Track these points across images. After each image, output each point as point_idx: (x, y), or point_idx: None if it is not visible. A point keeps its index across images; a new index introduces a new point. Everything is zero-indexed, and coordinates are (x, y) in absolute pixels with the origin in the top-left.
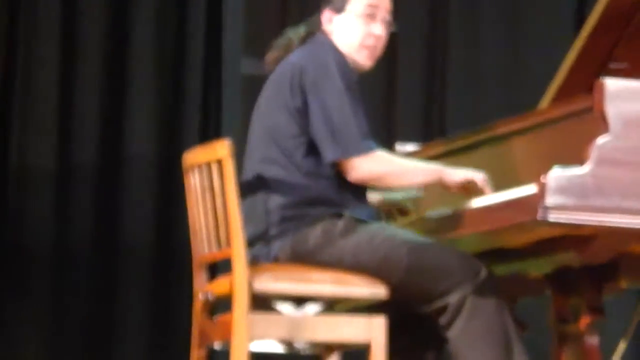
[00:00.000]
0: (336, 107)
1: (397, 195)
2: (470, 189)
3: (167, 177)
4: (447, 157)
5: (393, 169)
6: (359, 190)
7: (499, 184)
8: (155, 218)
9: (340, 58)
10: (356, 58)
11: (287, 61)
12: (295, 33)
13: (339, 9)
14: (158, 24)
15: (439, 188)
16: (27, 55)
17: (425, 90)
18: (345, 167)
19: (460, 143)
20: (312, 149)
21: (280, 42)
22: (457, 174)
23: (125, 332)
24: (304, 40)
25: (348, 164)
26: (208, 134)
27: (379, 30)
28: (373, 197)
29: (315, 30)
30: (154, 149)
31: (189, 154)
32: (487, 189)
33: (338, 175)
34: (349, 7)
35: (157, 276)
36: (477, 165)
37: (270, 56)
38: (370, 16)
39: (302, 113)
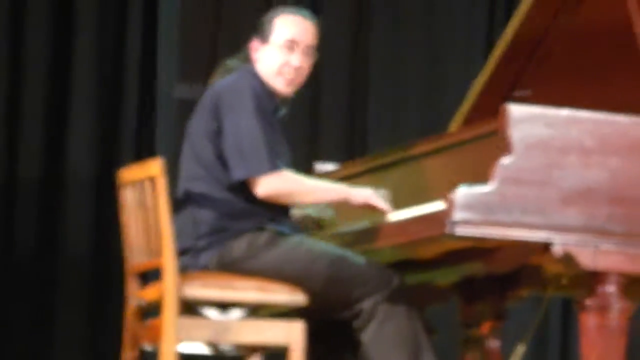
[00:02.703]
0: (246, 128)
1: (312, 212)
2: (373, 208)
3: (104, 192)
4: (364, 175)
5: (298, 187)
6: (281, 205)
7: (413, 201)
8: (92, 230)
9: (255, 83)
10: (274, 84)
11: (211, 88)
12: (232, 61)
13: (264, 40)
14: (97, 50)
15: (349, 207)
16: None
17: (347, 112)
18: (253, 185)
19: (377, 162)
20: None
21: (219, 70)
22: (360, 195)
23: (63, 334)
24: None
25: (255, 182)
26: (142, 154)
27: (297, 62)
28: (294, 212)
29: (247, 58)
30: (92, 167)
31: (124, 171)
32: (387, 208)
33: None
34: (272, 39)
35: (93, 283)
36: (392, 183)
37: (210, 83)
38: (290, 48)
39: (218, 135)
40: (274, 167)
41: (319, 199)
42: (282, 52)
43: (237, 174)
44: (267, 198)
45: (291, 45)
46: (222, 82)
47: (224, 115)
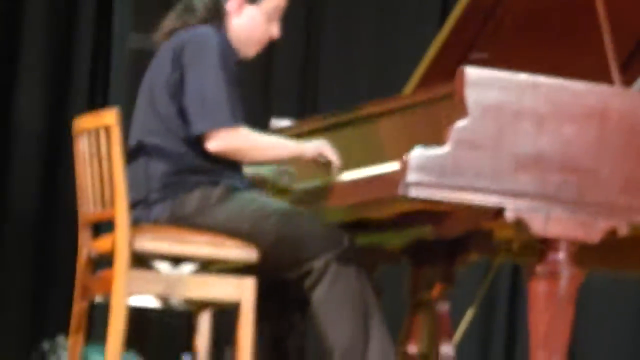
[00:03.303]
0: (210, 82)
1: (265, 170)
2: (323, 162)
3: (56, 141)
4: (319, 133)
5: (252, 144)
6: (233, 160)
7: (367, 161)
8: (44, 180)
9: (222, 39)
10: (247, 48)
11: (173, 38)
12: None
13: (252, 0)
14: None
15: (305, 167)
16: None
17: (300, 71)
18: (208, 139)
19: (332, 121)
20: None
21: (172, 14)
22: (312, 148)
23: (13, 285)
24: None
25: (211, 136)
26: (96, 103)
27: (277, 33)
28: (247, 170)
29: (218, 5)
30: (44, 116)
31: (78, 120)
32: (336, 160)
33: None
34: (262, 3)
35: (44, 233)
36: (346, 143)
37: (163, 29)
38: (274, 17)
39: (179, 87)
40: (234, 122)
41: (271, 157)
42: (267, 21)
43: (198, 126)
44: (220, 153)
45: (278, 13)
46: (186, 33)
47: (187, 67)
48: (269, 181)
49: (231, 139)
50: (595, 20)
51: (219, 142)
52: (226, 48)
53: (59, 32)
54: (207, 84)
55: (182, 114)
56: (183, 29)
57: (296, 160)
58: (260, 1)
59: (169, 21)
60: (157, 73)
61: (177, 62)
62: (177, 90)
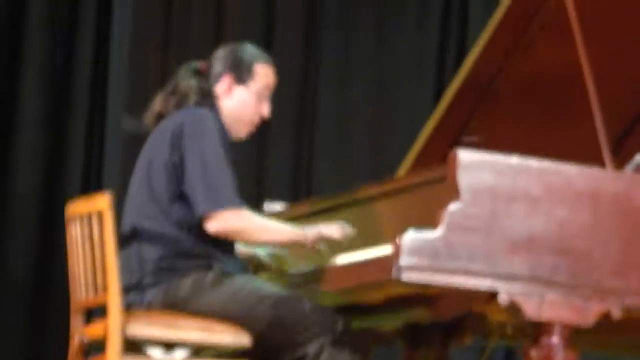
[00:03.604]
0: (212, 163)
1: (260, 251)
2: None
3: (49, 225)
4: (312, 217)
5: (252, 226)
6: (227, 243)
7: (361, 244)
8: (36, 264)
9: (218, 121)
10: (239, 128)
11: (170, 119)
12: (187, 81)
13: (241, 81)
14: (46, 79)
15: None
16: None
17: (294, 154)
18: (212, 219)
19: (325, 204)
20: (186, 204)
21: (161, 97)
22: (310, 234)
23: None
24: (197, 95)
25: (215, 216)
26: (90, 187)
27: (267, 112)
28: (241, 249)
29: (208, 88)
30: (38, 199)
31: (71, 204)
32: (339, 232)
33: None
34: (251, 84)
35: (35, 318)
36: None
37: (153, 112)
38: (264, 97)
39: (178, 168)
40: (238, 203)
41: (270, 241)
42: (257, 101)
43: (202, 207)
44: (221, 234)
45: (267, 93)
46: (183, 115)
47: (187, 149)
48: (262, 262)
49: (234, 221)
50: (587, 102)
51: (221, 223)
52: (221, 126)
53: (54, 115)
54: (210, 165)
55: (180, 197)
56: (176, 111)
57: (295, 246)
58: (249, 82)
59: (158, 104)
60: (154, 155)
61: (176, 144)
62: (177, 172)
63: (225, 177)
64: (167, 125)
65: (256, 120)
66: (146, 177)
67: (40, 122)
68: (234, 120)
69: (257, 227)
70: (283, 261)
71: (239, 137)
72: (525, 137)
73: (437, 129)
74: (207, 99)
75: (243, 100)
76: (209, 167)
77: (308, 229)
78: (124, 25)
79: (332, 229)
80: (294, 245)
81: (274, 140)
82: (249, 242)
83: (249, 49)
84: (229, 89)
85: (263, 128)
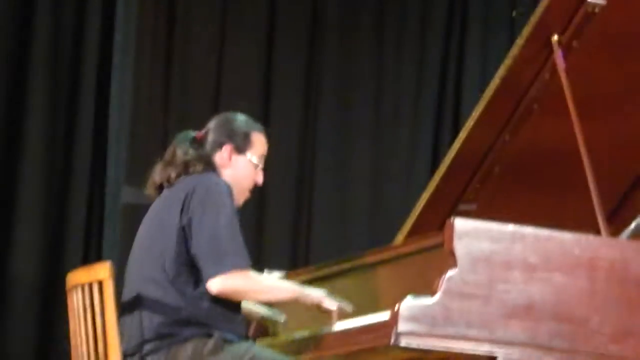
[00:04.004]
0: (226, 227)
1: (262, 312)
2: (323, 311)
3: (50, 295)
4: (311, 284)
5: (255, 286)
6: (230, 311)
7: (359, 311)
8: (38, 333)
9: (229, 187)
10: (238, 197)
11: (178, 186)
12: (185, 150)
13: (240, 150)
14: (47, 154)
15: (303, 311)
16: None
17: (292, 224)
18: (216, 280)
19: (323, 272)
20: (192, 272)
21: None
22: (312, 295)
23: None
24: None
25: (221, 277)
26: (90, 258)
27: (261, 180)
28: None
29: (207, 157)
30: (39, 270)
31: (72, 274)
32: (338, 309)
33: (212, 298)
34: (249, 153)
35: None
36: (336, 293)
37: (153, 181)
38: (259, 165)
39: (187, 231)
40: (244, 265)
41: (272, 298)
42: (254, 170)
43: (212, 271)
44: (223, 294)
45: (261, 161)
46: (194, 180)
47: (198, 213)
48: (269, 320)
49: (238, 281)
50: (582, 172)
51: (226, 283)
52: (231, 192)
53: (55, 190)
54: (221, 227)
55: (185, 263)
56: (185, 177)
57: (295, 303)
58: (247, 151)
59: (158, 174)
60: (163, 221)
61: (187, 208)
62: (185, 235)
63: (234, 240)
64: (178, 190)
65: (251, 187)
66: (152, 243)
67: (41, 193)
68: (233, 188)
69: (260, 288)
70: (282, 323)
71: (237, 204)
72: (521, 206)
73: (433, 197)
74: (209, 167)
75: (243, 168)
76: (220, 230)
77: (311, 290)
78: (124, 94)
79: (332, 302)
80: (295, 304)
81: (273, 208)
82: (253, 301)
83: (244, 118)
84: (229, 158)
85: (261, 197)
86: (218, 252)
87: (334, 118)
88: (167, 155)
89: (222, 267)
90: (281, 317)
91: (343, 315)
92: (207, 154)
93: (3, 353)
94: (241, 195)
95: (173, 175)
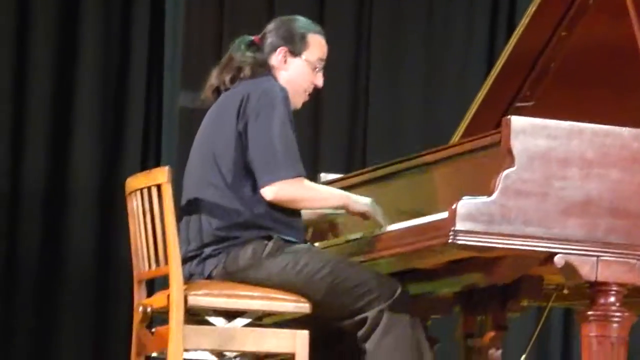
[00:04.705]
0: (278, 134)
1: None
2: (368, 219)
3: (110, 200)
4: (366, 186)
5: (309, 194)
6: (288, 216)
7: (415, 212)
8: (99, 238)
9: (285, 91)
10: (295, 100)
11: (234, 90)
12: (242, 54)
13: (296, 53)
14: (103, 59)
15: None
16: None
17: (347, 124)
18: (271, 188)
19: (379, 173)
20: (249, 176)
21: (221, 72)
22: (358, 204)
23: (69, 342)
24: (249, 75)
25: (274, 185)
26: (148, 162)
27: (321, 82)
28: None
29: (263, 60)
30: (99, 175)
31: (131, 179)
32: (382, 222)
33: (270, 202)
34: (305, 54)
35: (99, 292)
36: (394, 194)
37: (211, 85)
38: (317, 68)
39: (243, 137)
40: (298, 172)
41: (324, 206)
42: (312, 71)
43: (265, 178)
44: (277, 202)
45: (321, 64)
46: (251, 85)
47: (253, 117)
48: (333, 220)
49: (291, 190)
50: (638, 67)
51: (280, 192)
52: (287, 97)
53: (112, 92)
54: (274, 135)
55: (243, 167)
56: (240, 82)
57: (343, 209)
58: (303, 53)
59: (214, 78)
60: (219, 126)
61: (243, 114)
62: (241, 141)
63: (288, 147)
64: (234, 95)
65: (310, 90)
66: (211, 147)
67: (98, 99)
68: (290, 91)
69: (312, 196)
70: (341, 228)
71: (294, 107)
72: (577, 104)
73: (489, 96)
74: (263, 70)
75: (298, 71)
76: (274, 137)
77: (359, 199)
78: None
79: (376, 214)
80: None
81: (329, 113)
82: (306, 209)
83: (302, 21)
84: (284, 61)
85: (317, 100)
86: (271, 159)
87: (388, 25)
88: (224, 59)
89: (275, 175)
90: (342, 213)
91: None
92: (264, 57)
93: (64, 257)
94: (298, 98)
95: (228, 78)
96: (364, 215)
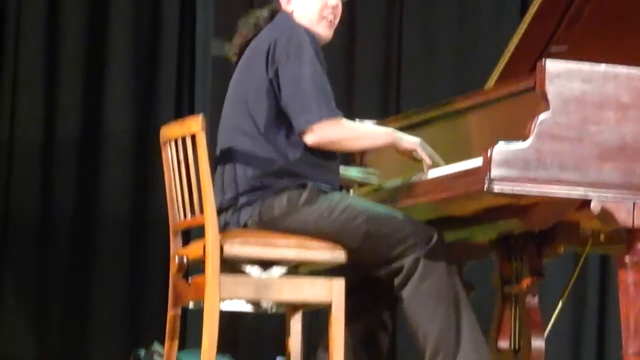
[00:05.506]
0: (309, 76)
1: (356, 175)
2: (415, 157)
3: (144, 150)
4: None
5: (351, 134)
6: (324, 160)
7: (450, 157)
8: (133, 188)
9: (309, 32)
10: (317, 30)
11: (260, 38)
12: (258, 16)
13: None
14: (136, 8)
15: (395, 162)
16: (14, 35)
17: (381, 71)
18: (312, 131)
19: (414, 119)
20: (283, 123)
21: (246, 22)
22: (408, 142)
23: (104, 293)
24: (268, 20)
25: (316, 127)
26: (182, 111)
27: (334, 0)
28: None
29: (277, 10)
30: (132, 125)
31: (165, 128)
32: (430, 161)
33: (305, 148)
34: None
35: (136, 240)
36: (428, 141)
37: (238, 37)
38: None
39: (275, 83)
40: (336, 113)
41: (368, 145)
42: None
43: (302, 121)
44: (318, 145)
45: None
46: (273, 30)
47: (282, 63)
48: (356, 182)
49: (332, 131)
50: None
51: (320, 134)
52: (314, 38)
53: (144, 42)
54: (306, 77)
55: (276, 114)
56: (266, 28)
57: (388, 153)
58: None
59: (242, 27)
60: (250, 73)
61: (272, 60)
62: (273, 87)
63: (321, 88)
64: (261, 41)
65: (328, 13)
66: (242, 96)
67: (131, 49)
68: (309, 26)
69: (355, 135)
70: (375, 178)
71: (323, 38)
72: (612, 47)
73: (523, 41)
74: (273, 14)
75: (301, 3)
76: (306, 80)
77: (406, 136)
78: None
79: (425, 151)
80: (390, 150)
81: (362, 60)
82: (348, 150)
83: None
84: (289, 3)
85: (350, 47)
86: (306, 101)
87: None
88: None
89: (312, 118)
90: (375, 180)
91: (434, 166)
92: (274, 7)
93: (99, 207)
94: (321, 28)
95: (248, 30)
96: (412, 153)
